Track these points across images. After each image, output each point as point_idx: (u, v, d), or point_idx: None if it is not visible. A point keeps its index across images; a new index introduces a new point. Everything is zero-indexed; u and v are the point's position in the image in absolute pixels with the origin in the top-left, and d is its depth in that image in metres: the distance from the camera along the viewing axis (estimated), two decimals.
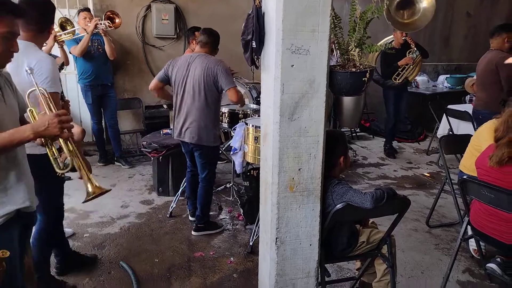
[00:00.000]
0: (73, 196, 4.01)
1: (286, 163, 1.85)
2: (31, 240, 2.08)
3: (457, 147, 3.41)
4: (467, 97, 5.83)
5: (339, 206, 1.90)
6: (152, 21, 5.40)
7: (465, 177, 2.37)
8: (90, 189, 1.63)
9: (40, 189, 1.90)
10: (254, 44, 1.78)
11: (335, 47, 1.95)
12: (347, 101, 5.70)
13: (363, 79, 1.76)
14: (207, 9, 5.57)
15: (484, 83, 4.07)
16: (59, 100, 2.11)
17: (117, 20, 4.45)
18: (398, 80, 5.20)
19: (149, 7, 5.38)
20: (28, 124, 1.53)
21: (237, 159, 3.10)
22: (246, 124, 3.01)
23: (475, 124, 4.51)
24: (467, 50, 7.47)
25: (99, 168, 4.84)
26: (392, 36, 5.39)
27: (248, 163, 3.24)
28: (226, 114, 3.57)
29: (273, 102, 1.78)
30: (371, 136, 6.66)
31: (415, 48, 5.13)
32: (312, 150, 1.87)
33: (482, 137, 2.66)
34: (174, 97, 3.11)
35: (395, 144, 6.00)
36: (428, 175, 4.90)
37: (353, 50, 1.77)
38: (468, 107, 4.99)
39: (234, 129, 3.20)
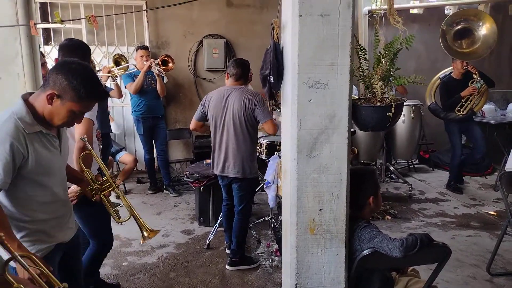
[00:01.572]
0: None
1: (305, 203, 1.74)
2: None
3: None
4: None
5: (365, 252, 1.73)
6: (204, 55, 5.62)
7: None
8: (145, 233, 1.92)
9: (88, 216, 2.19)
10: (271, 78, 1.73)
11: (358, 80, 1.83)
12: (400, 130, 5.39)
13: (388, 114, 1.62)
14: (256, 42, 5.66)
15: None
16: (92, 126, 2.26)
17: (170, 64, 4.69)
18: (462, 112, 4.80)
19: (201, 42, 5.62)
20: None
21: (270, 193, 3.02)
22: (280, 157, 2.93)
23: None
24: None
25: (148, 196, 5.01)
26: (451, 67, 5.03)
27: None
28: (264, 146, 3.52)
29: (290, 138, 1.70)
30: (431, 168, 6.18)
31: (478, 78, 4.72)
32: (335, 189, 1.74)
33: None
34: (213, 132, 3.13)
35: None
36: (495, 213, 4.39)
37: (376, 83, 1.64)
38: None
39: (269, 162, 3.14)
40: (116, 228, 3.98)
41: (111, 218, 2.15)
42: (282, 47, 1.77)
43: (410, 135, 5.43)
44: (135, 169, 5.19)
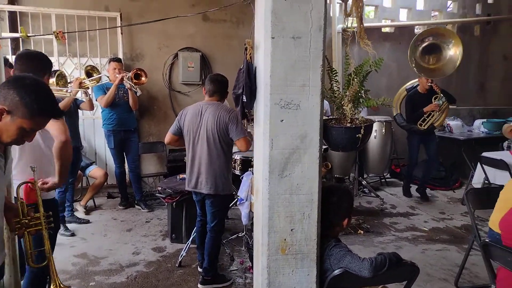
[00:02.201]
0: (89, 240, 4.03)
1: (277, 223, 1.73)
2: None
3: (489, 201, 3.10)
4: (505, 144, 5.44)
5: (336, 272, 1.73)
6: (179, 68, 5.59)
7: (487, 240, 2.12)
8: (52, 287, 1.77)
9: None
10: (244, 98, 1.73)
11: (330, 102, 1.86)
12: (372, 145, 5.51)
13: (357, 135, 1.65)
14: (232, 57, 5.67)
15: None
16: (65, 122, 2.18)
17: (142, 78, 4.58)
18: (424, 126, 5.07)
19: (176, 55, 5.59)
20: None
21: (243, 210, 2.99)
22: (253, 173, 2.92)
23: None
24: (505, 94, 7.15)
25: (118, 212, 4.87)
26: (417, 80, 5.26)
27: None
28: (238, 161, 3.51)
29: (263, 158, 1.70)
30: (402, 182, 6.32)
31: (441, 95, 4.98)
32: (306, 209, 1.75)
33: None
34: (188, 147, 3.10)
35: (427, 191, 5.64)
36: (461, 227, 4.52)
37: (346, 105, 1.67)
38: (505, 155, 4.64)
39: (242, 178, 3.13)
40: (83, 246, 3.87)
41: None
42: (255, 67, 1.78)
43: (382, 150, 5.56)
44: (105, 184, 5.05)
